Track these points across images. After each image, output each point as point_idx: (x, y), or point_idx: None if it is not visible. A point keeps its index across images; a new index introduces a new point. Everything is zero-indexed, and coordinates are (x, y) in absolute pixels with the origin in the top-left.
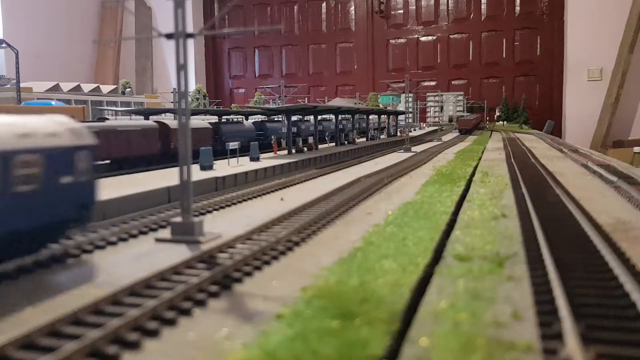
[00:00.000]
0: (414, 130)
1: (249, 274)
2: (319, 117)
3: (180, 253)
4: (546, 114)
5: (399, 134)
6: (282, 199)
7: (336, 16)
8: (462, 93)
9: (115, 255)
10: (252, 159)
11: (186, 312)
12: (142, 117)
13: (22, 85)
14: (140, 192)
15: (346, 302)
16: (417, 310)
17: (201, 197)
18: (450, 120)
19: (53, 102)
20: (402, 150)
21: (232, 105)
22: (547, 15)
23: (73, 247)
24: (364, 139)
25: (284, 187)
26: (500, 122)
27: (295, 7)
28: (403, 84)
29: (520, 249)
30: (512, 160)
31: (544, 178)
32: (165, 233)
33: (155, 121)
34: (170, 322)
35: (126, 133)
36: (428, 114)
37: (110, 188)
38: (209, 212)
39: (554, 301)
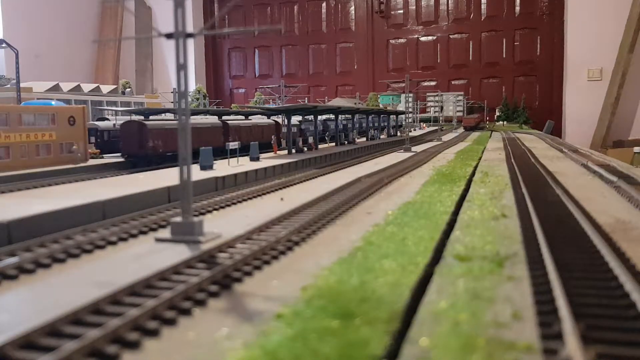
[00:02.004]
0: (414, 130)
1: (249, 273)
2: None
3: (180, 253)
4: (546, 114)
5: (399, 134)
6: (282, 199)
7: (336, 16)
8: (462, 93)
9: (115, 255)
10: (252, 159)
11: (186, 312)
12: (142, 116)
13: (22, 85)
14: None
15: (346, 301)
16: (417, 310)
17: (201, 197)
18: (449, 120)
19: (53, 102)
20: (402, 150)
21: (232, 105)
22: (547, 15)
23: (73, 246)
24: (364, 139)
25: (284, 187)
26: (500, 122)
27: (295, 7)
28: (403, 84)
29: (520, 249)
30: (512, 160)
31: (544, 178)
32: (166, 233)
33: None
34: (170, 322)
35: None
36: (428, 114)
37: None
38: (209, 211)
39: (554, 301)
